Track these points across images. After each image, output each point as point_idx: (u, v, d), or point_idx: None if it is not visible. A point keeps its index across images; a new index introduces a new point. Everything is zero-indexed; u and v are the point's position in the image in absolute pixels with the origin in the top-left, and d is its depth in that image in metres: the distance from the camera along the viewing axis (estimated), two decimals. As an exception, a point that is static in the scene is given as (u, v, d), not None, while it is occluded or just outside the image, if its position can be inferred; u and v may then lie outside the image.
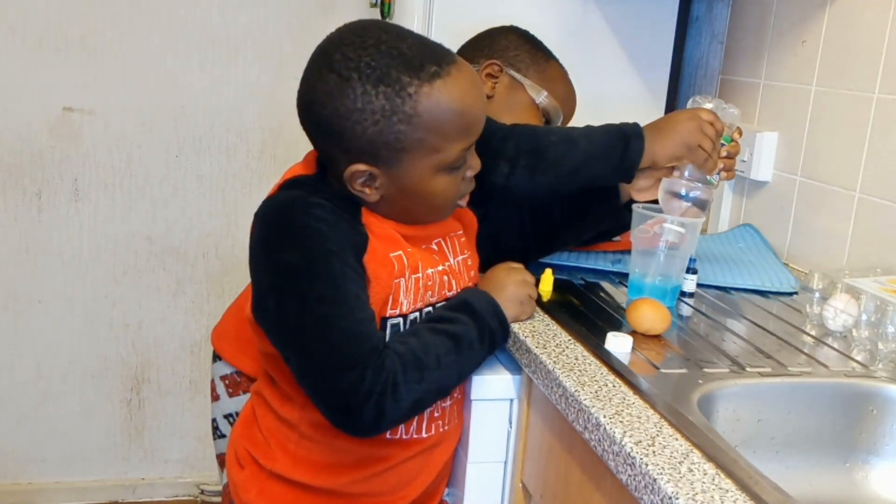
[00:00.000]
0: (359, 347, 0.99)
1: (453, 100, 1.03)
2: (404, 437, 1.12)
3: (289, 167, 1.17)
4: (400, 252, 1.08)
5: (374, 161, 1.04)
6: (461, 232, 1.21)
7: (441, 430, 1.16)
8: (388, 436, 1.11)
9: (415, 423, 1.13)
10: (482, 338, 1.09)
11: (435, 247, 1.16)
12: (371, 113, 1.01)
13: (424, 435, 1.14)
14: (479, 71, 1.48)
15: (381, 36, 1.03)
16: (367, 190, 1.06)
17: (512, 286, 1.15)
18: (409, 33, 1.07)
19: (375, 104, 1.00)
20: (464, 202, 1.15)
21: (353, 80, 1.00)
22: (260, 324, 1.07)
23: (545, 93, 1.49)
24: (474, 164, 1.12)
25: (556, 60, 1.54)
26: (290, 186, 1.10)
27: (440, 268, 1.14)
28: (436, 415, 1.15)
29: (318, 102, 1.04)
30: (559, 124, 1.51)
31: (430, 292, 1.12)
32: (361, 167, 1.04)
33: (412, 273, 1.09)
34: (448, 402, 1.16)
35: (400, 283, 1.07)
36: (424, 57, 1.02)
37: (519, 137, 1.25)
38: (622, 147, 1.25)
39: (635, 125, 1.27)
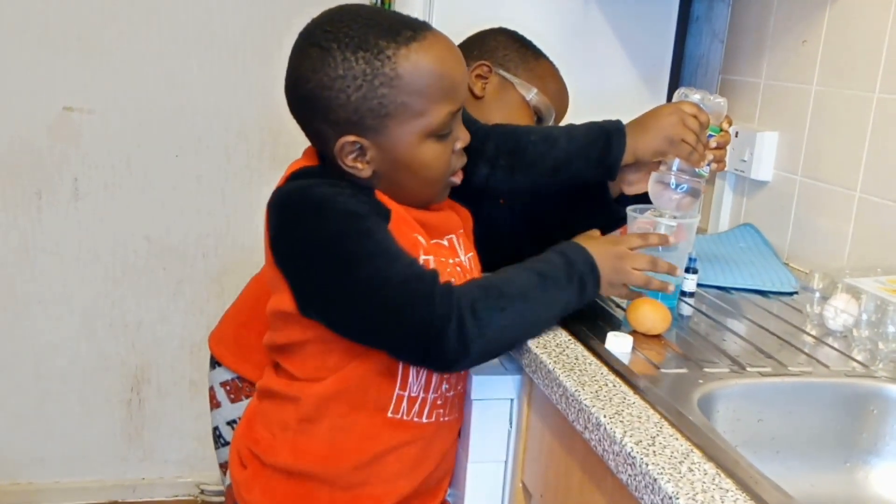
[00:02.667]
0: (419, 283, 1.01)
1: (431, 61, 1.05)
2: (405, 418, 1.12)
3: (287, 165, 1.17)
4: (416, 235, 1.10)
5: (362, 131, 1.05)
6: (462, 231, 1.22)
7: (442, 419, 1.16)
8: (388, 414, 1.11)
9: (416, 406, 1.12)
10: (570, 277, 1.08)
11: (446, 242, 1.16)
12: (353, 78, 1.03)
13: (424, 420, 1.14)
14: (469, 72, 1.48)
15: (359, 11, 1.07)
16: (358, 164, 1.07)
17: (612, 258, 1.12)
18: (386, 10, 1.12)
19: (357, 69, 1.02)
20: (457, 178, 1.15)
21: (334, 50, 1.03)
22: (310, 310, 1.06)
23: (535, 90, 1.50)
24: (463, 136, 1.12)
25: (546, 58, 1.54)
26: (298, 176, 1.11)
27: (451, 261, 1.14)
28: (438, 402, 1.15)
29: (302, 77, 1.06)
30: (551, 121, 1.51)
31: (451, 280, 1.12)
32: (350, 138, 1.05)
33: (426, 254, 1.10)
34: (451, 393, 1.16)
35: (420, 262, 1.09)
36: (400, 25, 1.05)
37: (498, 137, 1.25)
38: (603, 145, 1.25)
39: (617, 122, 1.27)
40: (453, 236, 1.18)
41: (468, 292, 1.02)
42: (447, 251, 1.15)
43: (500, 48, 1.52)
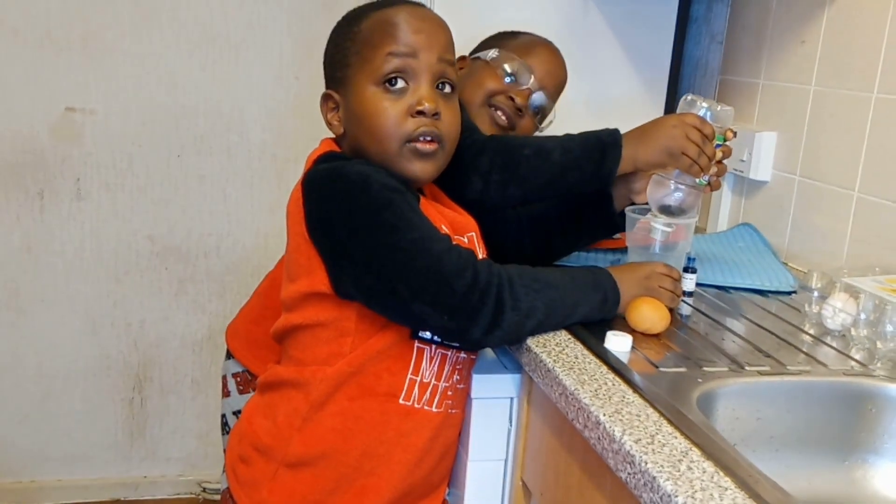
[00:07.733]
0: (459, 256, 1.04)
1: (390, 17, 1.11)
2: (416, 405, 1.13)
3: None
4: (442, 225, 1.11)
5: (335, 85, 1.15)
6: (476, 234, 1.22)
7: (450, 410, 1.16)
8: (400, 400, 1.12)
9: (428, 393, 1.13)
10: (596, 286, 1.14)
11: (466, 240, 1.17)
12: (336, 36, 1.15)
13: (434, 409, 1.14)
14: None
15: None
16: (334, 121, 1.15)
17: (641, 279, 1.18)
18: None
19: (340, 31, 1.15)
20: (422, 147, 1.11)
21: (341, 20, 1.16)
22: (347, 285, 1.07)
23: (495, 50, 1.49)
24: (427, 101, 1.09)
25: (529, 35, 1.53)
26: (326, 160, 1.13)
27: None
28: (449, 393, 1.15)
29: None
30: (531, 80, 1.48)
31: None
32: (328, 91, 1.16)
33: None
34: (462, 385, 1.17)
35: None
36: (396, 2, 1.13)
37: (493, 152, 1.25)
38: (598, 157, 1.25)
39: (614, 132, 1.27)
40: (473, 234, 1.19)
41: (506, 268, 1.07)
42: (468, 247, 1.15)
43: (482, 43, 1.54)
